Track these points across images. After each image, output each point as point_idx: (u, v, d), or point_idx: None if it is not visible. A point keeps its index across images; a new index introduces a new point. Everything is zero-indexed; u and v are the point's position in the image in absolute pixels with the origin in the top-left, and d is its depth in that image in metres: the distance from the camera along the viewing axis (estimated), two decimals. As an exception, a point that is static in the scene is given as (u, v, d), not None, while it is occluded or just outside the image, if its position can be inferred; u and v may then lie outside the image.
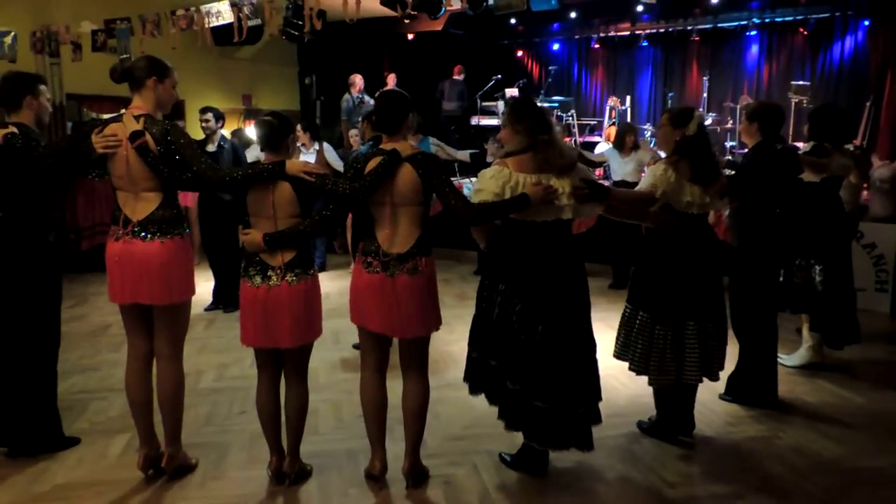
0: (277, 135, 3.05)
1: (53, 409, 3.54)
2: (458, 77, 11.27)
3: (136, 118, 3.03)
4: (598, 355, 3.23)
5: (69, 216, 7.89)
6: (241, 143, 7.06)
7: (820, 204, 4.41)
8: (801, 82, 9.69)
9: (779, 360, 4.30)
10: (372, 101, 10.11)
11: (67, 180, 7.59)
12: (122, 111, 3.11)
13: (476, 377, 3.24)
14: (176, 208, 3.12)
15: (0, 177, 3.31)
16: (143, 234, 3.03)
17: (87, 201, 7.72)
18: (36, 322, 3.39)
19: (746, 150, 4.09)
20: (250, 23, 6.40)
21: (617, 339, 3.65)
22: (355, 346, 5.09)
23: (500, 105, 10.54)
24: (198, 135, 5.69)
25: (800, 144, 5.07)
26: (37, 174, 3.30)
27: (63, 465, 3.42)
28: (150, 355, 3.21)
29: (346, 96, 10.21)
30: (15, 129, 3.27)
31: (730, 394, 4.12)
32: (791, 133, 8.85)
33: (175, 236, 3.08)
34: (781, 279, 4.38)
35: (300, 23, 7.02)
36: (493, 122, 10.59)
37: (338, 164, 7.01)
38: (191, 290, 3.20)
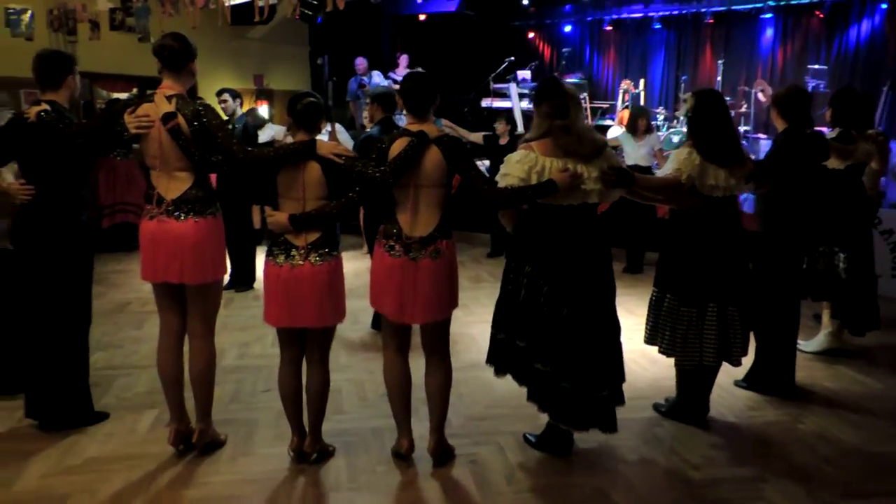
0: (319, 114, 3.06)
1: (84, 384, 3.59)
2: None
3: (168, 99, 3.04)
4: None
5: (90, 194, 7.92)
6: (254, 122, 7.05)
7: (844, 191, 4.41)
8: (816, 66, 9.61)
9: (798, 346, 4.32)
10: (375, 83, 10.13)
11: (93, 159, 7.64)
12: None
13: (502, 358, 3.24)
14: (208, 188, 3.14)
15: (33, 155, 3.33)
16: (176, 213, 3.04)
17: (107, 180, 7.72)
18: (69, 299, 3.42)
19: (764, 136, 4.08)
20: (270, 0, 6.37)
21: (646, 324, 3.68)
22: (374, 327, 5.14)
23: (512, 87, 10.49)
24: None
25: (824, 129, 5.04)
26: (69, 153, 3.31)
27: (94, 439, 3.47)
28: (182, 332, 3.25)
29: (352, 79, 10.44)
30: (48, 107, 3.27)
31: (746, 381, 4.12)
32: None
33: (208, 216, 3.10)
34: (805, 266, 4.39)
35: (316, 2, 6.97)
36: (506, 104, 10.55)
37: (350, 146, 7.00)
38: (223, 269, 3.23)
